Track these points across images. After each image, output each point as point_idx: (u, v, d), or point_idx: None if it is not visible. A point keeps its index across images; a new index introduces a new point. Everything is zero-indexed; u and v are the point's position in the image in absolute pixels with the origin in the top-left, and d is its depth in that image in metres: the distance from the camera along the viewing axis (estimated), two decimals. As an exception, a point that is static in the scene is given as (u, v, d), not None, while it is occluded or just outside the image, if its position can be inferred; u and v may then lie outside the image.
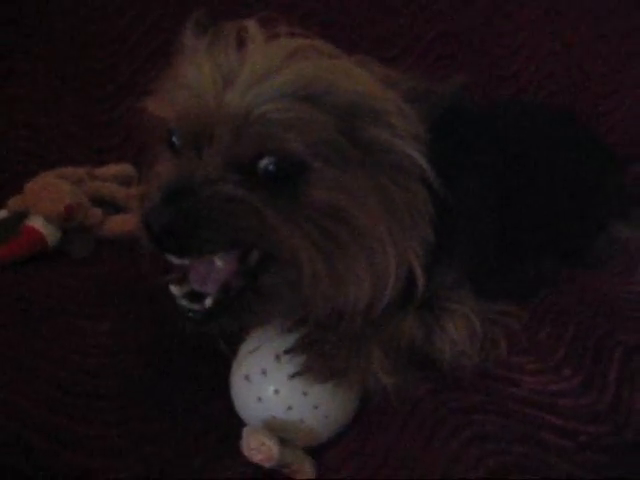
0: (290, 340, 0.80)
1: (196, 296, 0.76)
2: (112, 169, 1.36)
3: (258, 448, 0.74)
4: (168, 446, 0.79)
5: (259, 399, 0.77)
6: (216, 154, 0.73)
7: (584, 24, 1.69)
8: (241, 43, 0.78)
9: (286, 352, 0.78)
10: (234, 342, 0.84)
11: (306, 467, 0.77)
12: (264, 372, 0.78)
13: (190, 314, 0.76)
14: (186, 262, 0.75)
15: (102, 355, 0.91)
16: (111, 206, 1.30)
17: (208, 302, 0.75)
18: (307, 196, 0.74)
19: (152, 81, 0.83)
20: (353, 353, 0.80)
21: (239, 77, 0.73)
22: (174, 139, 0.79)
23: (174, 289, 0.77)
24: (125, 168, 1.37)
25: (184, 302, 0.76)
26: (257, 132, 0.72)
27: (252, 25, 0.80)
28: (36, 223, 1.18)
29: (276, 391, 0.77)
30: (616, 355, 0.91)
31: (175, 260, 0.74)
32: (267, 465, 0.75)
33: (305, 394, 0.77)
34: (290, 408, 0.77)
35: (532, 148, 1.08)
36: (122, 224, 1.26)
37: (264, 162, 0.73)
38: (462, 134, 0.87)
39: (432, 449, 0.77)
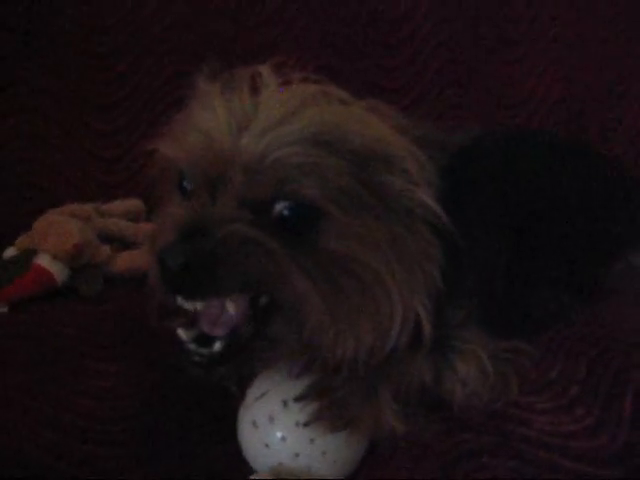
0: (298, 386, 0.79)
1: (205, 340, 0.75)
2: (120, 205, 1.37)
3: (265, 497, 0.73)
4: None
5: (266, 445, 0.77)
6: (230, 197, 0.73)
7: (588, 48, 1.69)
8: (254, 88, 0.78)
9: (296, 400, 0.77)
10: (244, 385, 0.83)
11: (316, 514, 0.75)
12: (271, 418, 0.77)
13: (197, 358, 0.75)
14: (197, 306, 0.75)
15: (109, 399, 0.90)
16: (120, 242, 1.30)
17: (217, 346, 0.75)
18: (320, 243, 0.73)
19: (160, 117, 0.83)
20: (364, 400, 0.79)
21: (254, 122, 0.74)
22: (185, 183, 0.79)
23: (182, 333, 0.76)
24: (133, 203, 1.38)
25: (192, 346, 0.76)
26: (273, 176, 0.72)
27: (265, 70, 0.81)
28: (44, 261, 1.18)
29: (283, 438, 0.76)
30: (630, 393, 0.88)
31: (186, 304, 0.74)
32: (275, 514, 0.74)
33: (312, 441, 0.76)
34: (297, 455, 0.76)
35: (544, 178, 1.06)
36: (131, 260, 1.26)
37: (279, 206, 0.73)
38: (471, 171, 0.87)
39: (444, 494, 0.76)
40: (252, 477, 0.76)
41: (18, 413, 0.85)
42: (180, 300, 0.74)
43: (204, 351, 0.75)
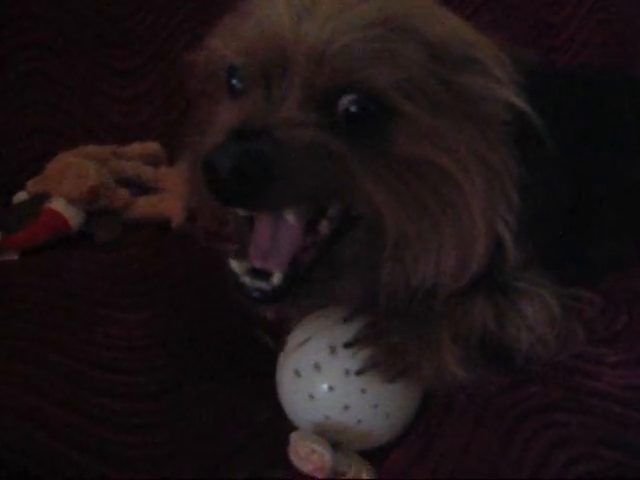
0: (347, 330, 0.71)
1: (261, 273, 0.66)
2: (138, 148, 1.29)
3: (308, 457, 0.66)
4: (203, 457, 0.70)
5: (311, 397, 0.69)
6: (290, 92, 0.64)
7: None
8: None
9: (346, 346, 0.69)
10: (279, 334, 0.75)
11: (364, 475, 0.67)
12: (317, 366, 0.69)
13: (255, 293, 0.66)
14: (253, 213, 0.66)
15: (129, 349, 0.83)
16: (138, 187, 1.23)
17: (276, 279, 0.65)
18: (394, 145, 0.64)
19: (182, 54, 0.74)
20: (423, 345, 0.71)
21: (318, 6, 0.65)
22: (234, 81, 0.69)
23: (235, 265, 0.67)
24: (152, 147, 1.30)
25: (247, 280, 0.66)
26: (337, 65, 0.63)
27: None
28: (58, 205, 1.12)
29: (330, 388, 0.68)
30: None
31: (241, 212, 0.65)
32: (320, 476, 0.66)
33: (363, 391, 0.68)
34: (347, 407, 0.68)
35: (617, 122, 0.98)
36: (150, 206, 1.20)
37: (345, 101, 0.64)
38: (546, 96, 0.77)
39: (512, 452, 0.68)
40: (294, 434, 0.68)
41: (30, 364, 0.78)
42: (233, 209, 0.65)
43: (262, 285, 0.66)
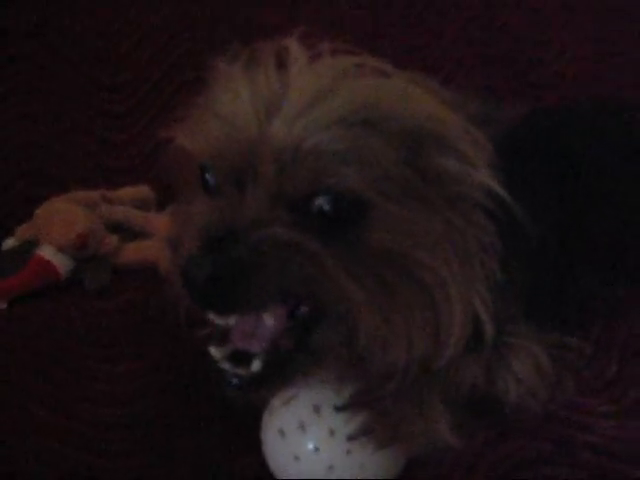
0: (332, 389, 0.70)
1: (241, 358, 0.66)
2: (129, 192, 1.28)
3: (293, 517, 0.65)
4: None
5: (296, 457, 0.67)
6: (261, 193, 0.63)
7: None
8: (281, 65, 0.68)
9: (338, 410, 0.68)
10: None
11: (351, 534, 0.66)
12: (302, 426, 0.68)
13: (235, 380, 0.66)
14: (231, 321, 0.66)
15: (115, 404, 0.82)
16: (128, 232, 1.22)
17: (256, 365, 0.65)
18: (368, 240, 0.64)
19: (172, 99, 0.74)
20: (416, 413, 0.71)
21: (284, 104, 0.63)
22: (208, 177, 0.69)
23: (214, 351, 0.67)
24: (142, 191, 1.29)
25: (227, 366, 0.66)
26: (309, 167, 0.62)
27: (293, 44, 0.70)
28: (46, 252, 1.11)
29: (316, 449, 0.67)
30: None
31: (218, 319, 0.65)
32: (304, 535, 0.65)
33: (349, 452, 0.67)
34: (331, 467, 0.67)
35: (602, 157, 0.97)
36: (140, 252, 1.18)
37: (318, 201, 0.62)
38: (523, 153, 0.80)
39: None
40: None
41: (13, 416, 0.79)
42: (211, 315, 0.65)
43: (241, 371, 0.66)
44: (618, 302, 0.99)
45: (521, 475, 0.71)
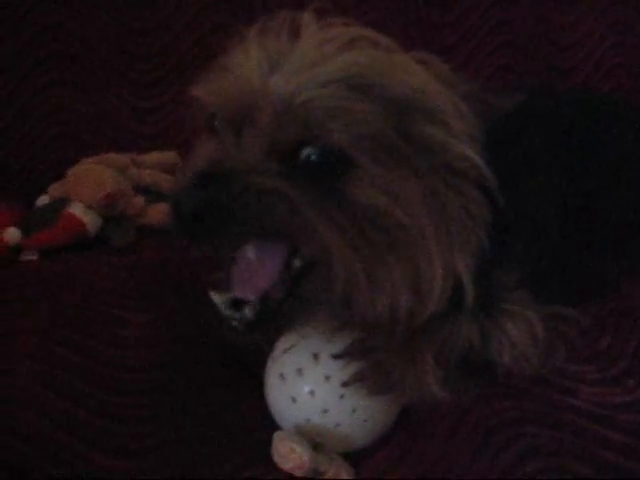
0: (330, 339, 0.75)
1: (239, 304, 0.72)
2: (156, 156, 1.34)
3: (288, 456, 0.69)
4: (197, 449, 0.74)
5: (293, 400, 0.73)
6: (256, 139, 0.69)
7: None
8: (294, 31, 0.74)
9: (335, 357, 0.73)
10: (273, 338, 0.79)
11: (343, 475, 0.71)
12: (300, 371, 0.73)
13: (233, 323, 0.72)
14: (212, 252, 0.73)
15: (138, 348, 0.87)
16: (154, 194, 1.27)
17: (249, 312, 0.71)
18: (349, 195, 0.69)
19: (200, 67, 0.79)
20: (407, 364, 0.75)
21: (287, 62, 0.70)
22: (216, 123, 0.75)
23: (216, 297, 0.73)
24: (169, 155, 1.34)
25: (226, 311, 0.72)
26: (300, 118, 0.68)
27: (306, 15, 0.76)
28: (76, 210, 1.16)
29: (311, 392, 0.72)
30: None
31: (200, 249, 0.72)
32: (298, 474, 0.70)
33: (342, 397, 0.72)
34: (326, 411, 0.72)
35: (602, 142, 1.00)
36: (165, 212, 1.21)
37: (306, 151, 0.68)
38: (524, 133, 0.84)
39: (482, 461, 0.71)
40: (277, 434, 0.72)
41: (39, 358, 0.83)
42: (196, 245, 0.71)
43: (237, 315, 0.71)
44: (619, 279, 1.03)
45: (506, 431, 0.74)
